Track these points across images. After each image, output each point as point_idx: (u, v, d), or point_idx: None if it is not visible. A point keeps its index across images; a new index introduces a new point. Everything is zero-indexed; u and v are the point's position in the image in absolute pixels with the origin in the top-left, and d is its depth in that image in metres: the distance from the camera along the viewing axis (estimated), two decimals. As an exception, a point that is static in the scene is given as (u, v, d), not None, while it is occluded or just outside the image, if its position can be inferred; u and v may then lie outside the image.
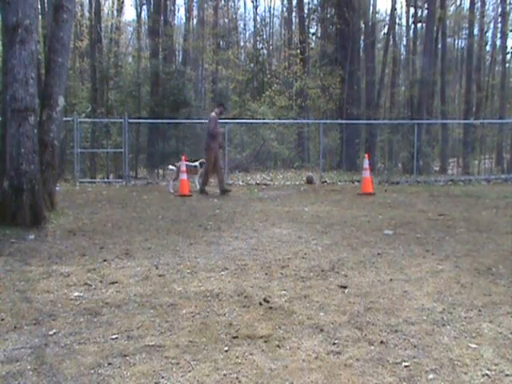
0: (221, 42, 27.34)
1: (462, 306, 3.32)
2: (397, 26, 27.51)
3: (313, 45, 24.41)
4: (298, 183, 13.02)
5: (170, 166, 11.35)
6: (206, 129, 10.56)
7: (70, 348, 2.67)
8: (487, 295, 3.53)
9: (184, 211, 7.80)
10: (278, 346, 2.69)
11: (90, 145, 17.08)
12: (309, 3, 24.01)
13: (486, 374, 2.37)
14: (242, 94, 23.53)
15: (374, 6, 27.18)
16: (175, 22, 25.47)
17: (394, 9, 23.51)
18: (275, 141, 17.84)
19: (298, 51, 22.22)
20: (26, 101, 6.10)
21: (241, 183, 13.10)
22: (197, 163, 10.76)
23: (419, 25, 22.86)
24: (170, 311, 3.22)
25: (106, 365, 2.47)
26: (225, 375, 2.36)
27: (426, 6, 20.42)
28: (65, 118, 11.51)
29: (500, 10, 25.58)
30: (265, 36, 28.20)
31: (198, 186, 10.65)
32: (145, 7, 23.56)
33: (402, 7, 38.05)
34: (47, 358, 2.54)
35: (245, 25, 31.22)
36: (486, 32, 27.69)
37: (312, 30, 25.44)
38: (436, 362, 2.50)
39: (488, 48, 28.67)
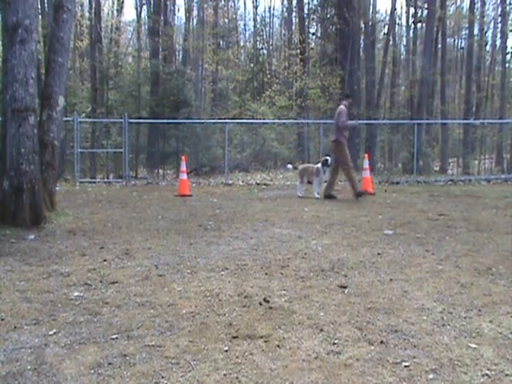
0: (221, 42, 27.37)
1: (461, 306, 3.32)
2: (397, 26, 27.51)
3: (313, 45, 24.41)
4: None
5: (289, 165, 11.14)
6: (335, 123, 9.46)
7: (69, 348, 2.67)
8: (487, 295, 3.53)
9: (184, 211, 7.80)
10: (278, 346, 2.69)
11: (90, 145, 17.09)
12: (309, 3, 24.01)
13: (486, 374, 2.36)
14: (241, 94, 23.56)
15: (374, 5, 27.21)
16: (175, 22, 25.53)
17: (393, 9, 23.59)
18: (275, 141, 17.85)
19: (298, 51, 22.22)
20: (26, 101, 6.10)
21: (241, 183, 13.10)
22: (318, 165, 9.65)
23: (419, 25, 22.85)
24: (169, 311, 3.22)
25: (106, 365, 2.47)
26: (225, 375, 2.36)
27: (425, 6, 20.39)
28: (65, 118, 11.53)
29: (500, 10, 25.60)
30: (265, 36, 28.26)
31: (316, 191, 9.64)
32: (145, 7, 23.61)
33: (402, 7, 38.21)
34: (47, 358, 2.54)
35: (245, 25, 31.35)
36: (485, 32, 27.73)
37: (312, 30, 25.46)
38: (436, 361, 2.49)
39: (488, 48, 28.71)
